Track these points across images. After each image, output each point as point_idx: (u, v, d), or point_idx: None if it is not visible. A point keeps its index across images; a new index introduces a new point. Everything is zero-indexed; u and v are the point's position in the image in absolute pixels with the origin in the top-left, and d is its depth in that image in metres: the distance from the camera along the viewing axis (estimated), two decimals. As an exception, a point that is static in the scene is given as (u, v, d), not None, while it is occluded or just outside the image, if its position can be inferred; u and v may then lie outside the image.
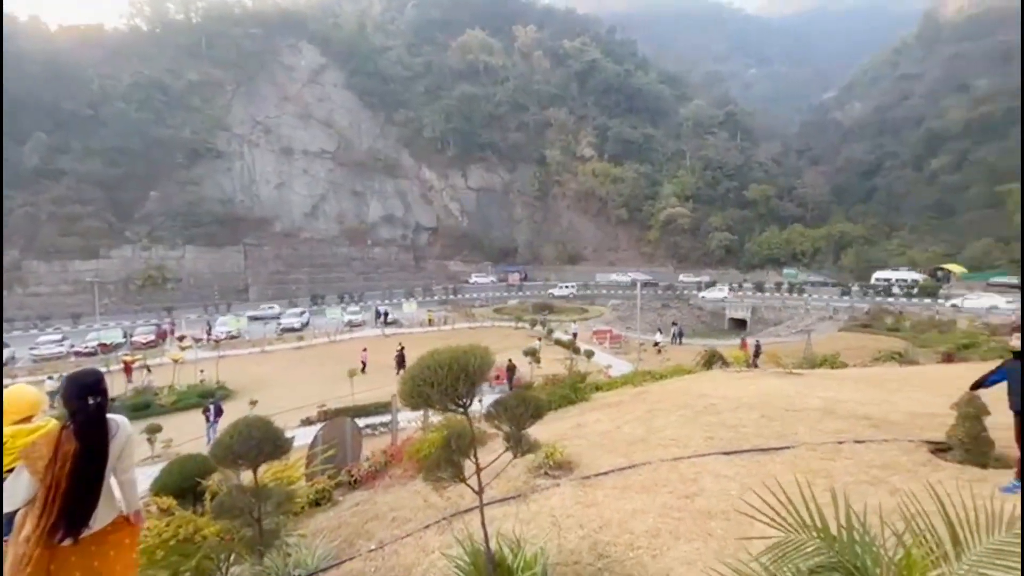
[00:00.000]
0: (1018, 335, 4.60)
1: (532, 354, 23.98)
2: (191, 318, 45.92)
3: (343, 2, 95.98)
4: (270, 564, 4.34)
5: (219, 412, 17.23)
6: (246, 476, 4.63)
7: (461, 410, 2.94)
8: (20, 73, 55.59)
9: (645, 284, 56.78)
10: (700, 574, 3.23)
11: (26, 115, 55.68)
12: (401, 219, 74.37)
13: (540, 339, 33.24)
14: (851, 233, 67.24)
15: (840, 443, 5.83)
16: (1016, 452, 4.42)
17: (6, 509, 2.38)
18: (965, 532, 1.71)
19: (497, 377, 21.79)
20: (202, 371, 25.58)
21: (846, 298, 50.51)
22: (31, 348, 35.37)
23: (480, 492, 3.17)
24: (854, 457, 5.38)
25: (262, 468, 5.44)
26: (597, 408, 10.50)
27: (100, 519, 2.57)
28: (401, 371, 19.77)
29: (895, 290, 50.12)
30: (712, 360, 18.17)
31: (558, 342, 33.31)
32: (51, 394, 16.69)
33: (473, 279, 67.10)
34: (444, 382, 2.73)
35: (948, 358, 19.42)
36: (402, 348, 26.71)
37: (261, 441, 4.31)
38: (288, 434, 4.71)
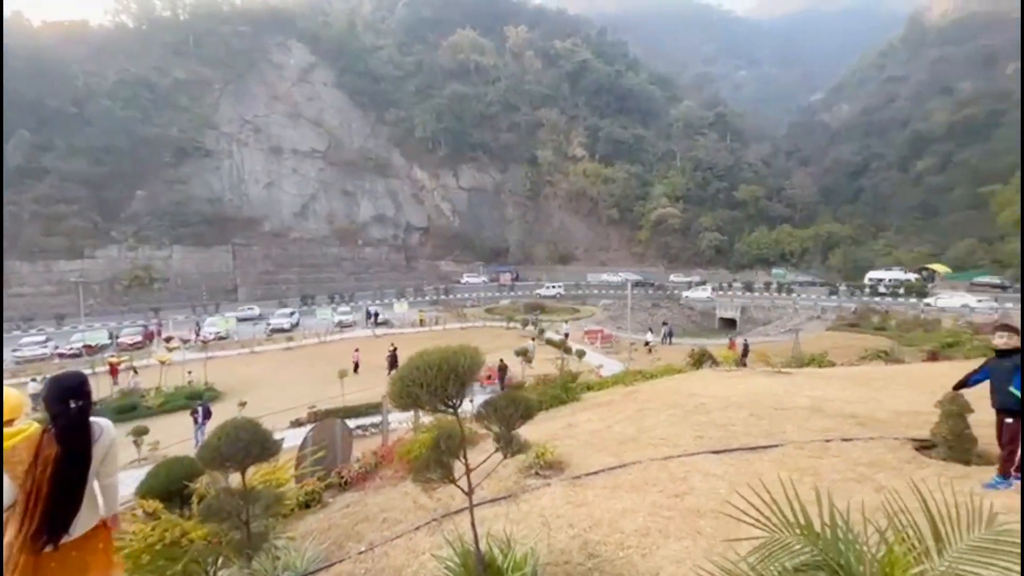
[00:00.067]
0: (1000, 334, 4.67)
1: (524, 354, 23.99)
2: (179, 319, 45.38)
3: (333, 0, 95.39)
4: (258, 567, 4.30)
5: (207, 414, 17.04)
6: (234, 479, 4.58)
7: (451, 411, 2.93)
8: (3, 70, 54.49)
9: (638, 284, 57.16)
10: (689, 572, 3.25)
11: (9, 113, 54.59)
12: (392, 219, 74.07)
13: (534, 339, 33.27)
14: (838, 233, 68.14)
15: (827, 441, 5.90)
16: (998, 449, 4.50)
17: None
18: (946, 529, 1.74)
19: (489, 377, 21.79)
20: (190, 372, 25.28)
21: (833, 298, 51.14)
22: (14, 350, 34.72)
23: (470, 493, 3.16)
24: (841, 455, 5.44)
25: (250, 470, 5.39)
26: (588, 408, 10.53)
27: (82, 525, 2.52)
28: (393, 372, 19.68)
29: (881, 289, 50.85)
30: (702, 359, 18.32)
31: (549, 342, 33.37)
32: (34, 396, 16.42)
33: (464, 279, 67.00)
34: (434, 383, 2.72)
35: (932, 357, 19.73)
36: (394, 348, 26.59)
37: (249, 443, 4.26)
38: (277, 436, 4.66)
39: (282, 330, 41.54)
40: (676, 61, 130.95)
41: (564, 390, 12.52)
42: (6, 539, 2.29)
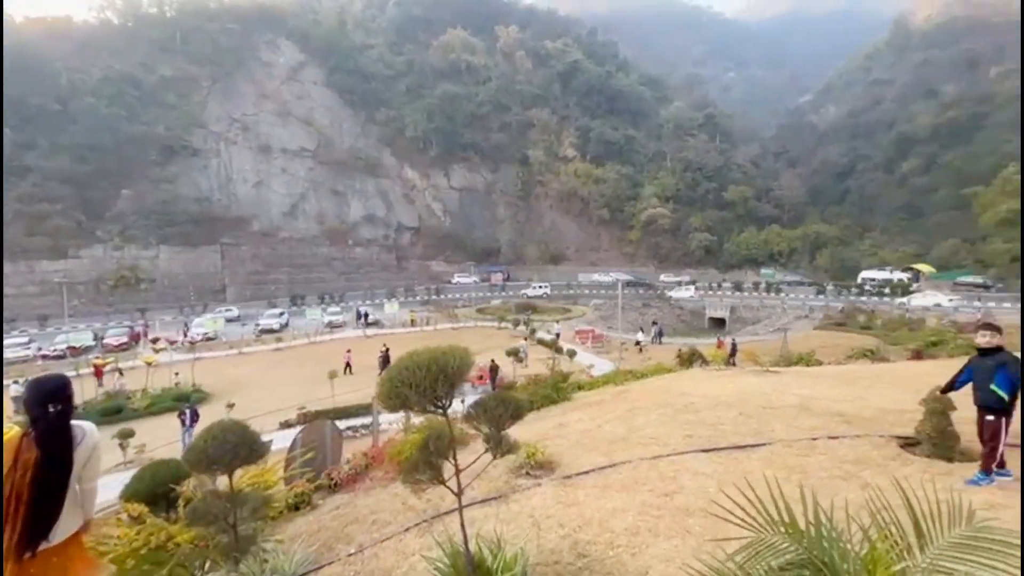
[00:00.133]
0: (983, 332, 4.76)
1: (515, 354, 23.99)
2: (165, 320, 44.81)
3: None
4: (246, 571, 4.25)
5: (195, 417, 16.82)
6: (222, 481, 4.52)
7: (440, 411, 2.92)
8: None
9: (632, 284, 57.56)
10: (678, 571, 3.27)
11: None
12: (383, 219, 73.74)
13: (526, 339, 33.30)
14: (826, 234, 69.02)
15: (814, 439, 5.96)
16: (980, 446, 4.58)
17: None
18: (928, 525, 1.77)
19: (480, 377, 21.77)
20: (177, 374, 24.97)
21: (821, 297, 51.77)
22: (-5, 352, 34.03)
23: (459, 494, 3.15)
24: (828, 453, 5.51)
25: (238, 473, 5.33)
26: (579, 407, 10.55)
27: (63, 530, 2.47)
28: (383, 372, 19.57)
29: (867, 288, 51.61)
30: (692, 359, 18.45)
31: (541, 342, 33.41)
32: (16, 399, 16.12)
33: (456, 279, 66.90)
34: (423, 383, 2.71)
35: (917, 355, 20.04)
36: (387, 349, 26.46)
37: (237, 445, 4.22)
38: (266, 437, 4.62)
39: (271, 331, 41.16)
40: (666, 62, 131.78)
41: (555, 390, 12.53)
42: None
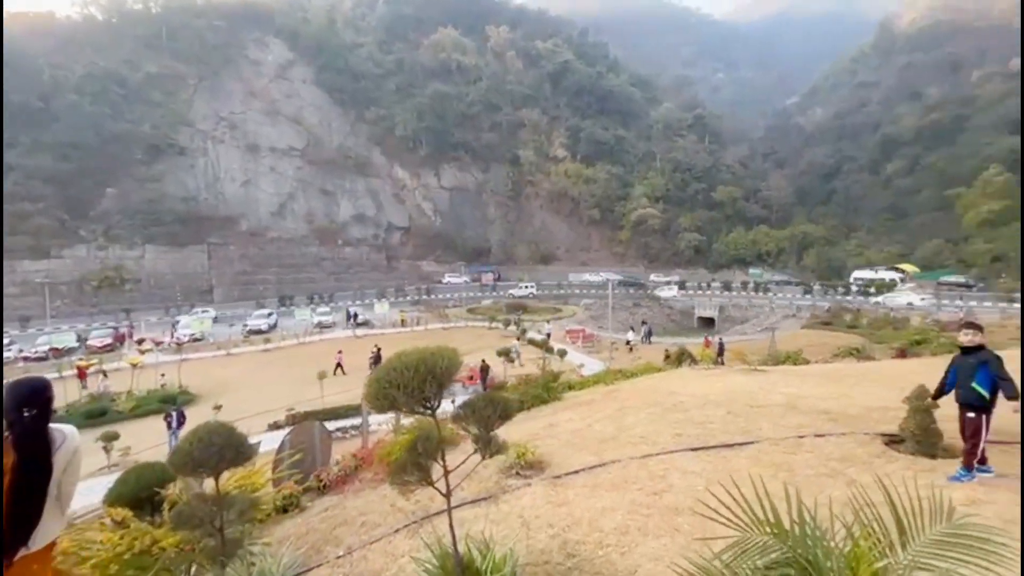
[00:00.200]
0: (965, 331, 4.84)
1: (506, 354, 23.98)
2: (151, 320, 44.18)
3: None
4: (232, 574, 4.20)
5: (181, 419, 16.59)
6: (208, 484, 4.47)
7: (429, 412, 2.90)
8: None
9: (626, 284, 57.92)
10: (667, 569, 3.29)
11: (-31, 106, 52.40)
12: (373, 218, 73.32)
13: (518, 339, 33.31)
14: (813, 234, 69.88)
15: (801, 437, 6.03)
16: (962, 443, 4.66)
17: None
18: (911, 522, 1.79)
19: (471, 378, 21.73)
20: (163, 375, 24.62)
21: (808, 297, 52.39)
22: (-25, 353, 33.29)
23: (448, 495, 3.14)
24: (814, 451, 5.57)
25: (225, 475, 5.27)
26: (569, 407, 10.58)
27: (42, 537, 2.42)
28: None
29: (853, 287, 52.37)
30: (681, 358, 18.58)
31: (531, 342, 33.45)
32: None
33: (446, 279, 66.75)
34: (411, 384, 2.69)
35: (901, 354, 20.37)
36: (378, 349, 26.32)
37: (223, 447, 4.16)
38: (255, 439, 4.57)
39: (259, 331, 40.74)
40: (656, 63, 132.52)
41: (545, 390, 12.55)
42: None
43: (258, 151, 69.20)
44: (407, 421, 9.62)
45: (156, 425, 17.58)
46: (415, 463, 2.94)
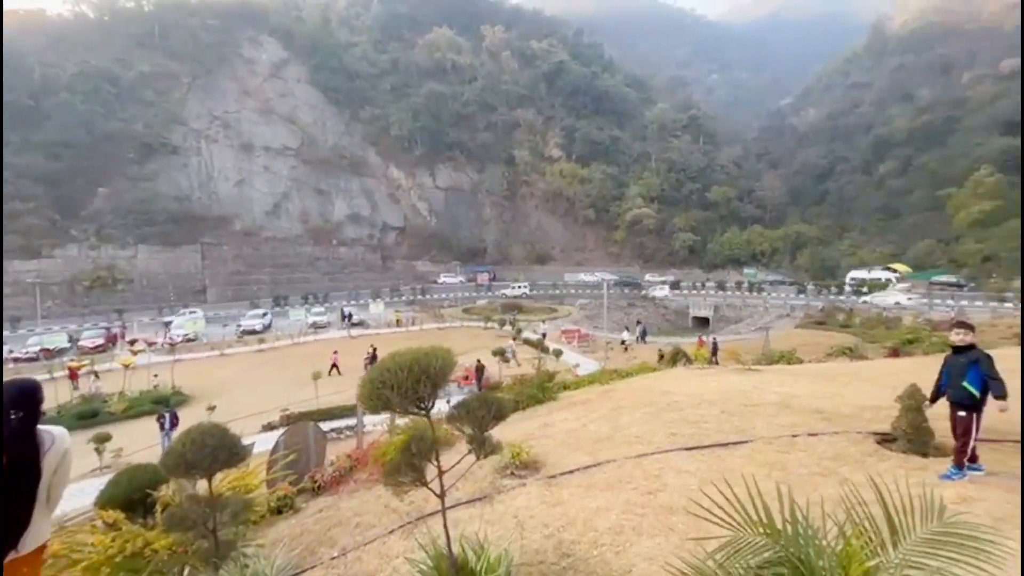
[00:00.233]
0: (956, 330, 4.88)
1: (501, 354, 23.98)
2: (144, 321, 43.86)
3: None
4: (226, 576, 4.17)
5: (174, 420, 16.48)
6: (201, 486, 4.44)
7: (423, 413, 2.90)
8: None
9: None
10: (661, 569, 3.29)
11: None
12: (368, 218, 73.11)
13: (514, 339, 33.33)
14: (806, 234, 70.29)
15: (795, 436, 6.06)
16: (953, 441, 4.70)
17: None
18: (901, 521, 1.81)
19: (466, 378, 21.73)
20: (156, 376, 24.44)
21: (802, 296, 52.69)
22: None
23: (442, 496, 3.13)
24: (807, 449, 5.60)
25: (218, 477, 5.24)
26: (564, 407, 10.58)
27: (32, 540, 2.40)
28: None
29: (846, 287, 52.72)
30: (676, 358, 18.64)
31: (527, 341, 33.47)
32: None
33: (441, 279, 66.65)
34: (404, 385, 2.68)
35: (894, 353, 20.50)
36: (374, 349, 26.25)
37: (216, 448, 4.14)
38: (248, 440, 4.56)
39: (253, 332, 40.52)
40: (650, 64, 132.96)
41: (541, 390, 12.54)
42: None
43: (252, 150, 68.84)
44: (402, 421, 9.60)
45: (149, 426, 17.45)
46: (409, 464, 2.93)
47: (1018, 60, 69.56)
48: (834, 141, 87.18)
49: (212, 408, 18.38)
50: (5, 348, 33.75)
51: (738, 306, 51.55)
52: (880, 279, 51.84)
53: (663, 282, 62.28)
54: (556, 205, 78.61)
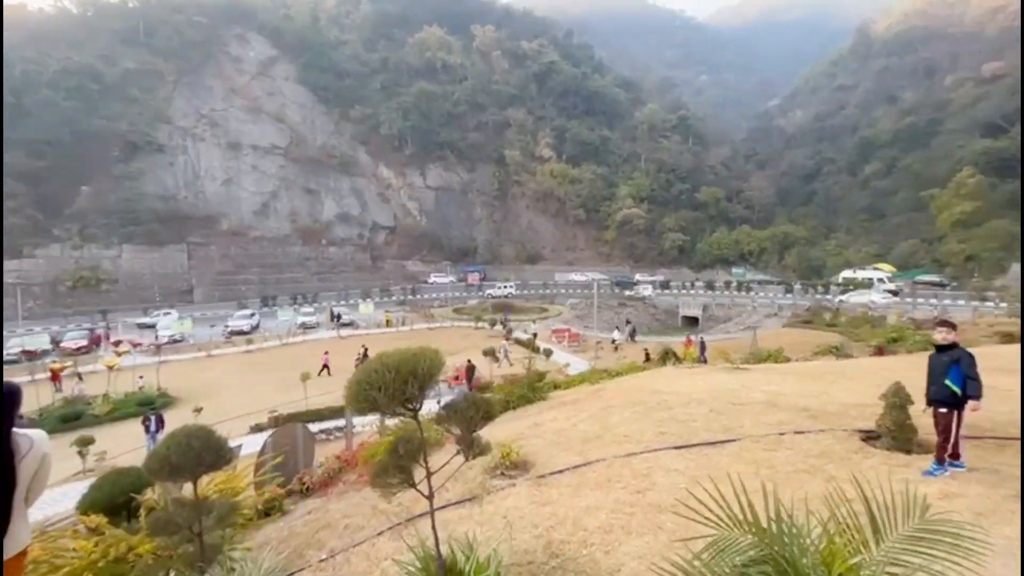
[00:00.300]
0: (939, 329, 4.97)
1: (491, 354, 23.97)
2: (128, 322, 43.19)
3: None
4: (211, 581, 4.12)
5: (160, 422, 16.26)
6: (187, 489, 4.38)
7: (411, 414, 2.88)
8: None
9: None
10: (650, 567, 3.31)
11: (-65, 101, 50.64)
12: (357, 218, 72.64)
13: (507, 338, 33.31)
14: (794, 234, 71.10)
15: (782, 434, 6.12)
16: (936, 438, 4.77)
17: None
18: (884, 518, 1.83)
19: (456, 378, 21.69)
20: (141, 378, 24.06)
21: (789, 296, 53.26)
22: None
23: (431, 497, 3.12)
24: (794, 447, 5.66)
25: (204, 480, 5.17)
26: (554, 407, 10.60)
27: (11, 547, 2.34)
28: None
29: (832, 287, 53.37)
30: (666, 357, 18.74)
31: (518, 341, 33.48)
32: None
33: (432, 279, 66.42)
34: (392, 385, 2.67)
35: (879, 351, 20.79)
36: (365, 349, 26.11)
37: (201, 451, 4.09)
38: (236, 442, 4.51)
39: (241, 332, 40.09)
40: (640, 65, 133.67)
41: (531, 389, 12.54)
42: None
43: (240, 149, 68.06)
44: (392, 422, 9.55)
45: (134, 429, 17.20)
46: (397, 465, 2.91)
47: (999, 64, 71.17)
48: (821, 142, 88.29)
49: (199, 410, 18.17)
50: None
51: (727, 305, 51.97)
52: (872, 279, 52.55)
53: (651, 281, 62.67)
54: (547, 205, 78.71)
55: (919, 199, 61.32)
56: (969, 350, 4.77)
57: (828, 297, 50.49)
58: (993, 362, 9.57)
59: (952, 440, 4.61)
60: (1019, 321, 28.69)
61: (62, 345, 35.12)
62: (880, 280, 50.86)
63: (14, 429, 2.39)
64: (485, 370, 23.23)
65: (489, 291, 59.43)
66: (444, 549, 3.12)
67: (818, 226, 73.62)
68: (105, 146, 59.11)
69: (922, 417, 5.15)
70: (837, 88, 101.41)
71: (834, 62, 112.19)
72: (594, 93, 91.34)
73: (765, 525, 1.76)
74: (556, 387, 14.59)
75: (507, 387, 14.88)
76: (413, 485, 3.01)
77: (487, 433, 3.59)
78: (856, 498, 1.98)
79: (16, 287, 42.12)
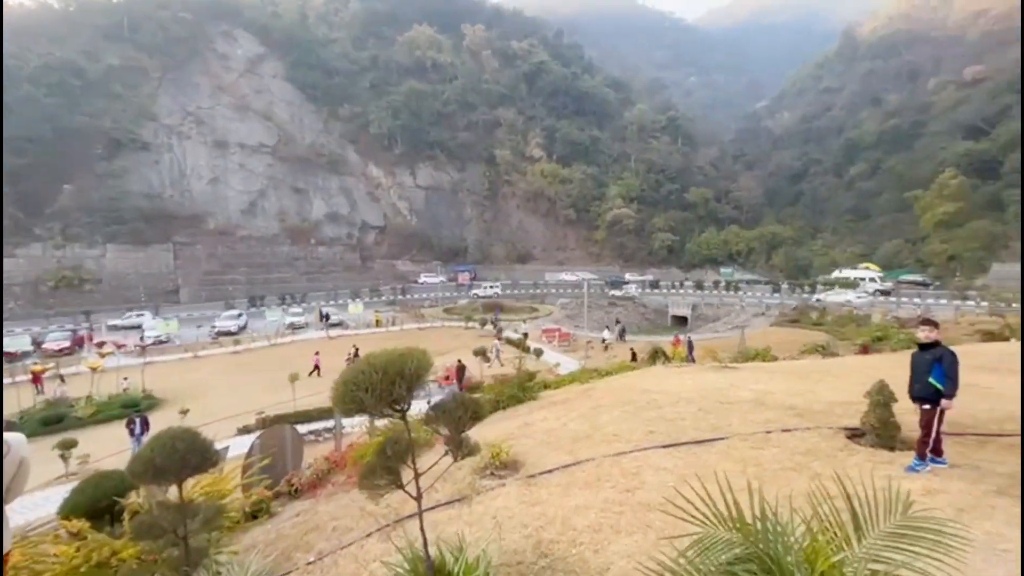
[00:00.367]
0: (922, 328, 5.05)
1: (482, 354, 23.94)
2: (112, 323, 42.49)
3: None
4: (197, 585, 4.06)
5: (145, 425, 16.03)
6: (172, 492, 4.32)
7: (398, 414, 2.86)
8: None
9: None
10: (639, 566, 3.32)
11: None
12: (346, 217, 72.11)
13: (498, 338, 33.27)
14: (781, 234, 71.94)
15: (768, 433, 6.18)
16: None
17: None
18: (866, 515, 1.85)
19: (447, 378, 21.63)
20: (126, 379, 23.68)
21: (776, 295, 53.87)
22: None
23: (419, 498, 3.10)
24: (781, 445, 5.72)
25: (190, 482, 5.10)
26: (544, 406, 10.61)
27: None
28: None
29: (818, 286, 54.10)
30: (656, 356, 18.86)
31: (509, 341, 33.47)
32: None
33: (422, 279, 66.16)
34: (379, 386, 2.65)
35: (864, 350, 21.09)
36: (356, 349, 25.93)
37: (186, 453, 4.04)
38: (223, 444, 4.46)
39: (228, 333, 39.61)
40: (630, 66, 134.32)
41: (521, 389, 12.54)
42: None
43: (227, 147, 67.22)
44: (382, 423, 9.50)
45: (118, 432, 16.94)
46: (384, 467, 2.89)
47: (979, 67, 72.62)
48: (807, 143, 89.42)
49: (185, 412, 17.95)
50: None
51: (715, 305, 52.42)
52: (864, 278, 53.32)
53: (640, 281, 63.13)
54: (537, 205, 78.80)
55: (903, 200, 62.37)
56: (952, 348, 4.86)
57: (815, 297, 51.21)
58: (974, 360, 9.75)
59: (934, 436, 4.69)
60: (998, 320, 29.29)
61: (44, 346, 34.45)
62: (872, 280, 51.68)
63: (-10, 433, 2.34)
64: (476, 370, 23.20)
65: (475, 291, 59.29)
66: (433, 550, 3.11)
67: (805, 226, 74.56)
68: (88, 143, 58.06)
69: (906, 415, 5.23)
70: (823, 90, 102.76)
71: (820, 64, 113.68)
72: (584, 93, 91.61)
73: (751, 523, 1.77)
74: (546, 387, 14.60)
75: (497, 387, 14.86)
76: (401, 486, 2.99)
77: (477, 433, 3.58)
78: (840, 495, 2.00)
79: (-4, 287, 41.20)
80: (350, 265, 68.30)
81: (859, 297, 46.38)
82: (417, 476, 3.05)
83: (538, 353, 28.80)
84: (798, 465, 5.05)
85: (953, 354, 4.74)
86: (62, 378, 24.03)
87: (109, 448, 15.60)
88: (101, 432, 18.32)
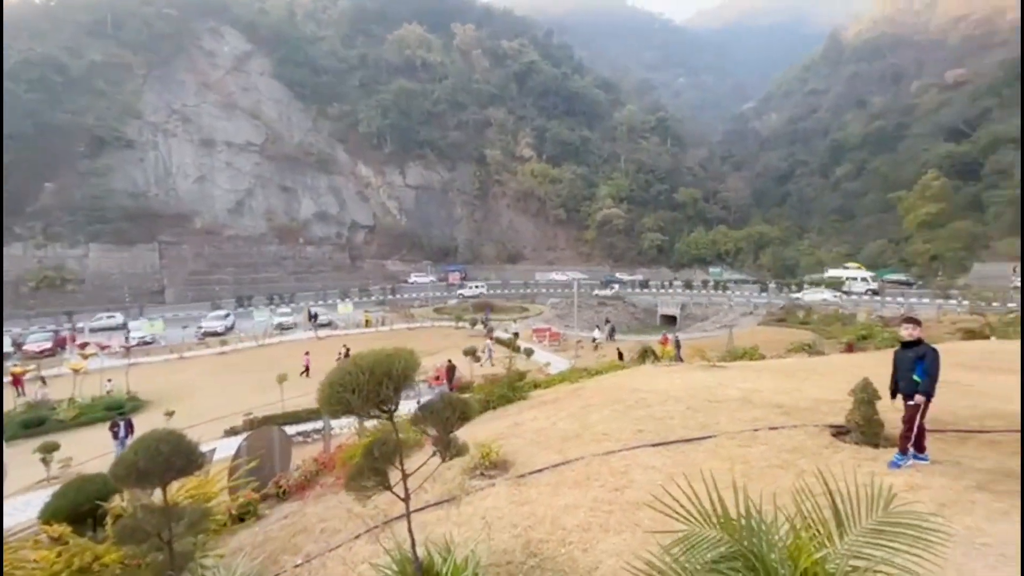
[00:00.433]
0: (905, 326, 5.13)
1: (472, 354, 23.90)
2: (96, 324, 41.78)
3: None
4: (182, 589, 4.01)
5: (129, 427, 15.77)
6: (156, 495, 4.25)
7: (386, 415, 2.84)
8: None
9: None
10: (627, 565, 3.34)
11: None
12: (336, 217, 71.58)
13: (489, 338, 33.22)
14: (768, 234, 72.73)
15: (756, 431, 6.24)
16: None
17: None
18: (849, 513, 1.88)
19: (437, 378, 21.56)
20: (109, 381, 23.31)
21: (764, 295, 54.46)
22: None
23: (407, 499, 3.09)
24: (768, 443, 5.78)
25: (175, 485, 5.03)
26: (535, 406, 10.62)
27: None
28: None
29: (804, 286, 54.79)
30: (645, 355, 18.98)
31: (499, 340, 33.45)
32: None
33: (412, 279, 65.90)
34: (366, 387, 2.63)
35: (849, 348, 21.42)
36: (347, 349, 25.74)
37: (171, 456, 3.97)
38: (209, 446, 4.40)
39: (215, 333, 39.14)
40: (619, 67, 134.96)
41: (511, 389, 12.54)
42: None
43: (213, 146, 66.39)
44: (371, 424, 9.44)
45: (101, 434, 16.66)
46: (372, 468, 2.87)
47: (961, 71, 74.02)
48: (794, 145, 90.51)
49: (170, 413, 17.72)
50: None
51: (704, 304, 52.86)
52: (855, 277, 54.04)
53: (630, 280, 63.55)
54: (527, 205, 78.87)
55: (887, 200, 63.36)
56: (934, 347, 4.94)
57: (792, 295, 52.00)
58: (956, 358, 9.95)
59: (915, 432, 4.77)
60: (979, 318, 29.88)
61: (25, 348, 33.86)
62: (863, 279, 52.48)
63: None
64: (466, 370, 23.16)
65: (461, 291, 59.15)
66: (421, 551, 3.10)
67: (791, 226, 75.48)
68: (70, 141, 57.00)
69: (889, 412, 5.31)
70: (809, 92, 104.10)
71: (806, 67, 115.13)
72: (574, 93, 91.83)
73: (736, 521, 1.79)
74: (536, 386, 14.62)
75: (487, 387, 14.84)
76: (388, 488, 2.98)
77: (467, 433, 3.57)
78: (823, 493, 2.03)
79: (-26, 288, 40.34)
80: (339, 265, 67.82)
81: (834, 296, 47.32)
82: (405, 477, 3.04)
83: (528, 353, 28.85)
84: (784, 463, 5.11)
85: (935, 352, 4.82)
86: (43, 380, 23.61)
87: (92, 451, 15.34)
88: (84, 435, 18.02)
